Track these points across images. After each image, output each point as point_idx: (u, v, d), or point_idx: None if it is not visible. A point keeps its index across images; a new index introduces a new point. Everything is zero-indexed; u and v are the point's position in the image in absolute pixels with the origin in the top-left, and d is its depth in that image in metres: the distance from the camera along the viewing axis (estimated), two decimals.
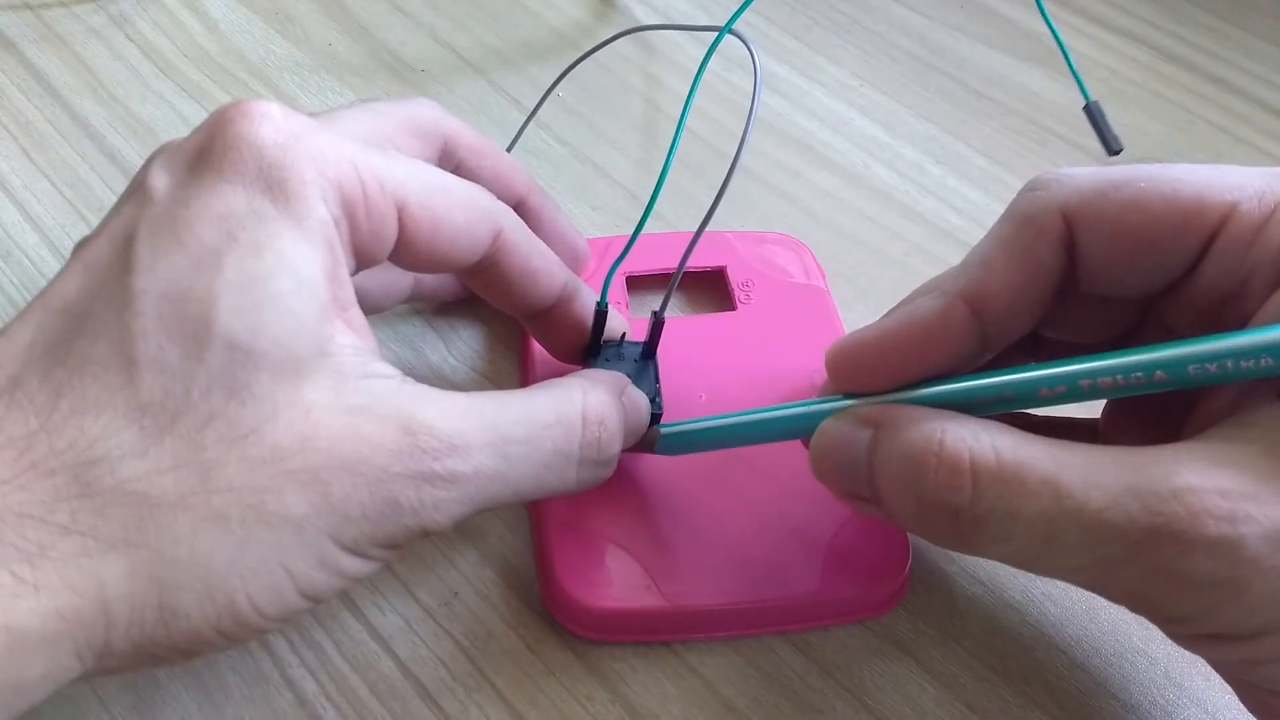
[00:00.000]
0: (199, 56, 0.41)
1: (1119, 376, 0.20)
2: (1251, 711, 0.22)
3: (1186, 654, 0.27)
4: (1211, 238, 0.21)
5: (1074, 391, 0.21)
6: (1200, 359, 0.20)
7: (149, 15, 0.42)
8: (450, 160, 0.28)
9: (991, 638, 0.27)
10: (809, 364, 0.31)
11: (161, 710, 0.25)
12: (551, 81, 0.37)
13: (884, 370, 0.23)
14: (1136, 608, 0.20)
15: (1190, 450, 0.19)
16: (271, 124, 0.21)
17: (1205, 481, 0.18)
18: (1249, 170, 0.21)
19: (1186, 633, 0.20)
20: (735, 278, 0.33)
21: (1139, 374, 0.20)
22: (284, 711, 0.26)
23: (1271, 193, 0.20)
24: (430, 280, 0.31)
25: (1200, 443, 0.19)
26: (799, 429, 0.25)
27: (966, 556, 0.29)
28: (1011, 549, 0.20)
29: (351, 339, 0.21)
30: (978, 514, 0.20)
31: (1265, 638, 0.18)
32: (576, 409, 0.24)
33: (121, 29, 0.41)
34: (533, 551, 0.28)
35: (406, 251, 0.23)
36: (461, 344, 0.33)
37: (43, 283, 0.33)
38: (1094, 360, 0.21)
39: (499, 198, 0.28)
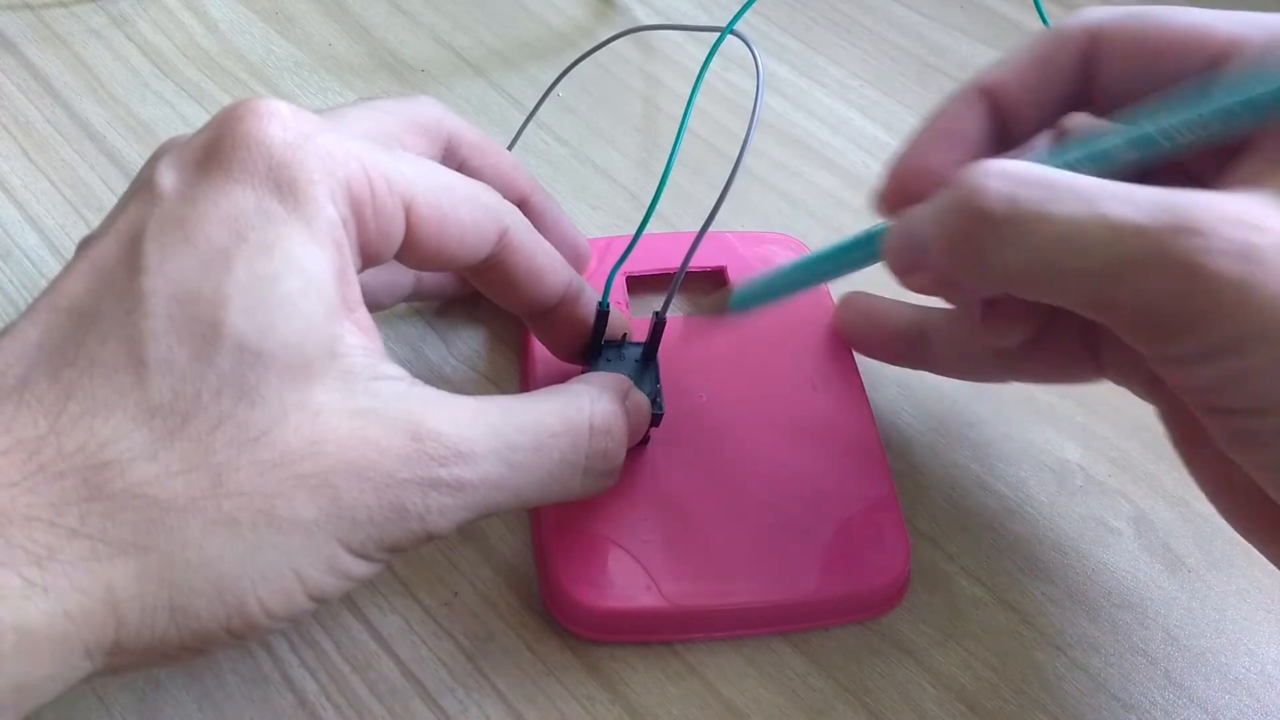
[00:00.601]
0: (199, 56, 0.41)
1: (1205, 121, 0.20)
2: (1226, 445, 0.21)
3: (1186, 654, 0.27)
4: (1221, 60, 0.21)
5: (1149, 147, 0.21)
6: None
7: (149, 15, 0.42)
8: (453, 158, 0.28)
9: (991, 638, 0.28)
10: (809, 364, 0.31)
11: (161, 710, 0.25)
12: (551, 81, 0.37)
13: (923, 172, 0.24)
14: (1136, 322, 0.20)
15: (1229, 189, 0.20)
16: (280, 123, 0.21)
17: (1232, 202, 0.19)
18: (1264, 14, 0.22)
19: (1178, 352, 0.20)
20: (736, 277, 0.33)
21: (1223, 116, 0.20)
22: (284, 711, 0.26)
23: None
24: (431, 278, 0.31)
25: (1239, 187, 0.20)
26: (862, 252, 0.25)
27: (966, 556, 0.29)
28: (1028, 255, 0.20)
29: (361, 339, 0.21)
30: (1008, 214, 0.20)
31: (1257, 348, 0.18)
32: (584, 418, 0.24)
33: (121, 29, 0.41)
34: (533, 551, 0.28)
35: (413, 250, 0.23)
36: (461, 344, 0.33)
37: (43, 283, 0.33)
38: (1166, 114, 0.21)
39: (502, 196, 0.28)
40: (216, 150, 0.21)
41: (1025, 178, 0.20)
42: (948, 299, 0.26)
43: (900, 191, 0.25)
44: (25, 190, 0.36)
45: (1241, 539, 0.29)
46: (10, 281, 0.33)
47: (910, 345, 0.30)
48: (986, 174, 0.20)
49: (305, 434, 0.19)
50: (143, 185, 0.21)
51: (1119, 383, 0.27)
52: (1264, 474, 0.20)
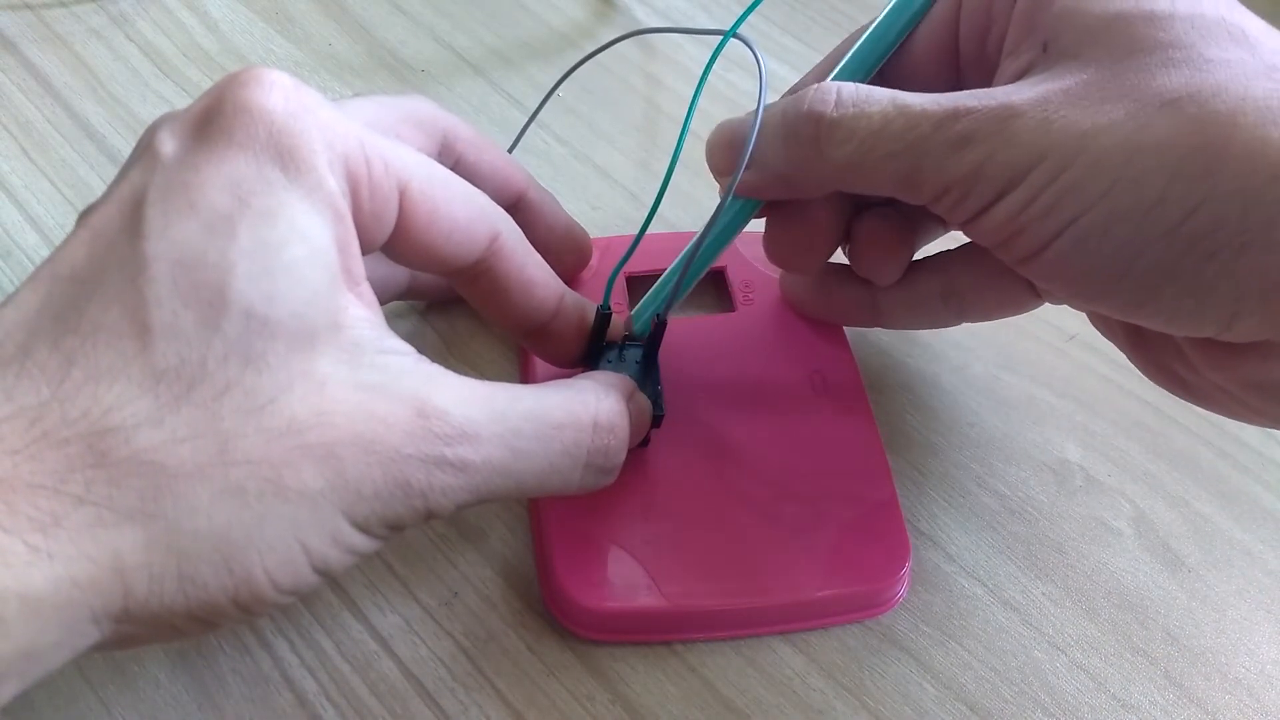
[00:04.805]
0: (199, 56, 0.41)
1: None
2: (1039, 277, 0.24)
3: (1187, 654, 0.27)
4: None
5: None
6: None
7: (149, 15, 0.42)
8: (450, 155, 0.28)
9: (991, 637, 0.28)
10: (809, 365, 0.31)
11: (161, 710, 0.25)
12: (553, 82, 0.37)
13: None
14: (936, 190, 0.23)
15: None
16: (282, 92, 0.21)
17: (1000, 91, 0.23)
18: None
19: (975, 205, 0.23)
20: (736, 278, 0.33)
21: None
22: (284, 711, 0.26)
23: None
24: (425, 275, 0.31)
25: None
26: (727, 230, 0.28)
27: (966, 556, 0.29)
28: (855, 142, 0.24)
29: (365, 312, 0.21)
30: (836, 117, 0.24)
31: (1019, 180, 0.22)
32: (589, 413, 0.24)
33: (121, 29, 0.41)
34: (533, 552, 0.28)
35: (403, 240, 0.23)
36: (461, 344, 0.33)
37: None
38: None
39: (499, 192, 0.27)
40: (217, 116, 0.21)
41: (849, 89, 0.24)
42: (775, 196, 0.27)
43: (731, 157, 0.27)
44: (25, 190, 0.36)
45: (1241, 539, 0.29)
46: (11, 282, 0.33)
47: (860, 304, 0.31)
48: (821, 89, 0.25)
49: (312, 404, 0.19)
50: (143, 151, 0.21)
51: (1055, 301, 0.29)
52: (1073, 283, 0.23)
